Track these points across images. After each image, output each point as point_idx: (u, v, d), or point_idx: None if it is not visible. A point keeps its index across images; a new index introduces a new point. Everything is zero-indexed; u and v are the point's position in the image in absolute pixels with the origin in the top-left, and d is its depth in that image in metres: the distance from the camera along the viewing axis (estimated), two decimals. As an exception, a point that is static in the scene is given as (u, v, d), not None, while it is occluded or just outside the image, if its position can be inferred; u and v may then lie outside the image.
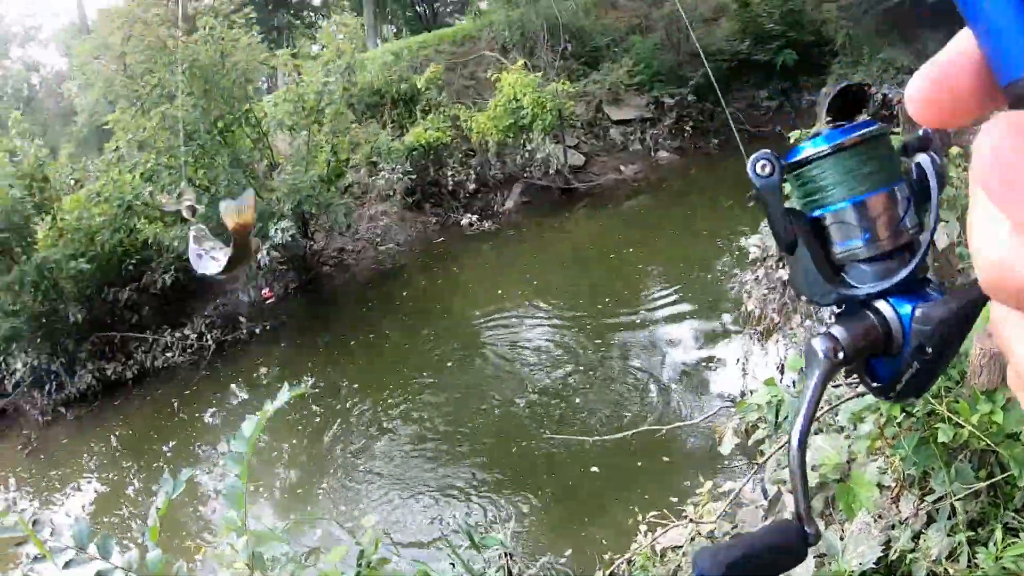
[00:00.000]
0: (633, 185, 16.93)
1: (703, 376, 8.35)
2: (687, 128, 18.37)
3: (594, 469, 6.90)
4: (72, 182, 13.91)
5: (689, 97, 18.23)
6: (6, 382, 12.57)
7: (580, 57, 19.34)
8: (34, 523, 2.71)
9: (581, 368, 8.98)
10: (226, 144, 12.36)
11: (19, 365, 12.21)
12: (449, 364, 9.83)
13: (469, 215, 15.69)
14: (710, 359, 8.62)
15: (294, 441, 8.91)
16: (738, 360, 7.74)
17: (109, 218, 12.48)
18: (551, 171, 16.05)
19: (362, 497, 7.58)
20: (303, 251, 12.62)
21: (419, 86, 16.83)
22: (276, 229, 11.51)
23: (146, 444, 10.68)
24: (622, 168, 17.50)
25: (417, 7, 34.77)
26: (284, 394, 2.58)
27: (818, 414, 3.77)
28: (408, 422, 8.64)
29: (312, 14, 38.67)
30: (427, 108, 16.70)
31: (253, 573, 2.33)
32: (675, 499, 5.18)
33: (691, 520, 4.05)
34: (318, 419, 9.18)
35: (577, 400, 8.30)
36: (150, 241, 12.23)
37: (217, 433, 10.14)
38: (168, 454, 10.02)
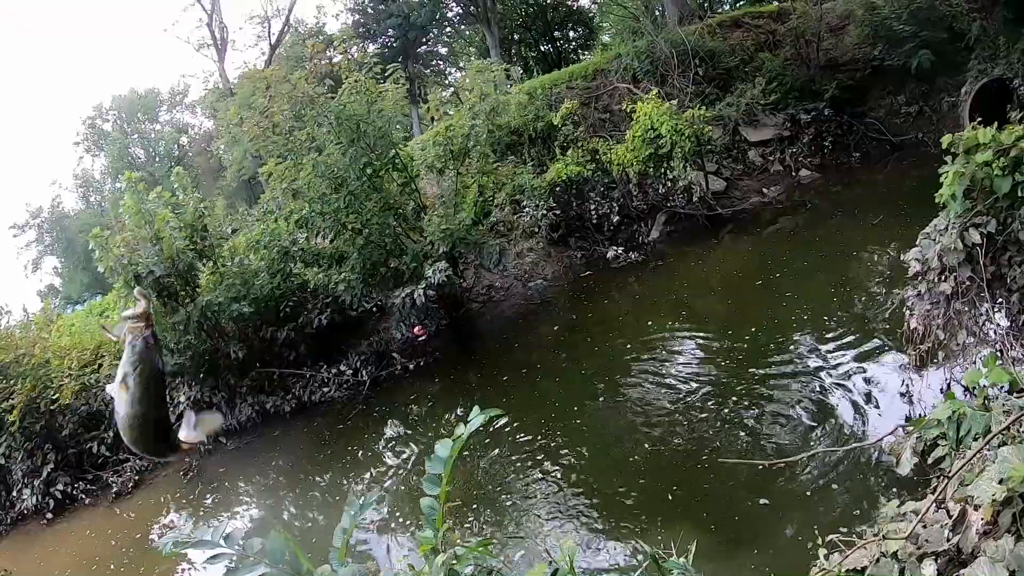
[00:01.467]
0: (776, 207, 16.46)
1: (864, 398, 7.93)
2: (826, 144, 17.84)
3: (763, 501, 6.67)
4: (229, 231, 14.75)
5: (825, 111, 17.71)
6: (171, 413, 13.44)
7: (712, 80, 19.06)
8: (226, 538, 2.87)
9: (735, 397, 8.67)
10: (375, 189, 12.81)
11: (182, 397, 13.17)
12: (601, 398, 9.75)
13: (614, 247, 15.62)
14: (869, 380, 8.19)
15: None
16: (902, 381, 7.47)
17: (267, 263, 13.26)
18: (694, 199, 15.85)
19: (515, 525, 7.63)
20: (455, 290, 12.90)
21: (555, 122, 17.03)
22: (432, 270, 11.86)
23: (301, 474, 11.13)
24: (764, 190, 17.09)
25: (542, 47, 35.36)
26: (477, 419, 2.64)
27: (1006, 424, 3.56)
28: (561, 454, 8.58)
29: (440, 62, 40.14)
30: (565, 144, 16.86)
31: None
32: (845, 528, 4.91)
33: (875, 540, 3.85)
34: (467, 453, 9.24)
35: (736, 429, 8.05)
36: (310, 285, 12.84)
37: (369, 465, 10.38)
38: (322, 484, 10.40)
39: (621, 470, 7.93)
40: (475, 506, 8.16)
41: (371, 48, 29.73)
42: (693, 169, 15.82)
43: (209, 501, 11.77)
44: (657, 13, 26.22)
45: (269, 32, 40.32)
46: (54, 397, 14.10)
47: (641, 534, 6.80)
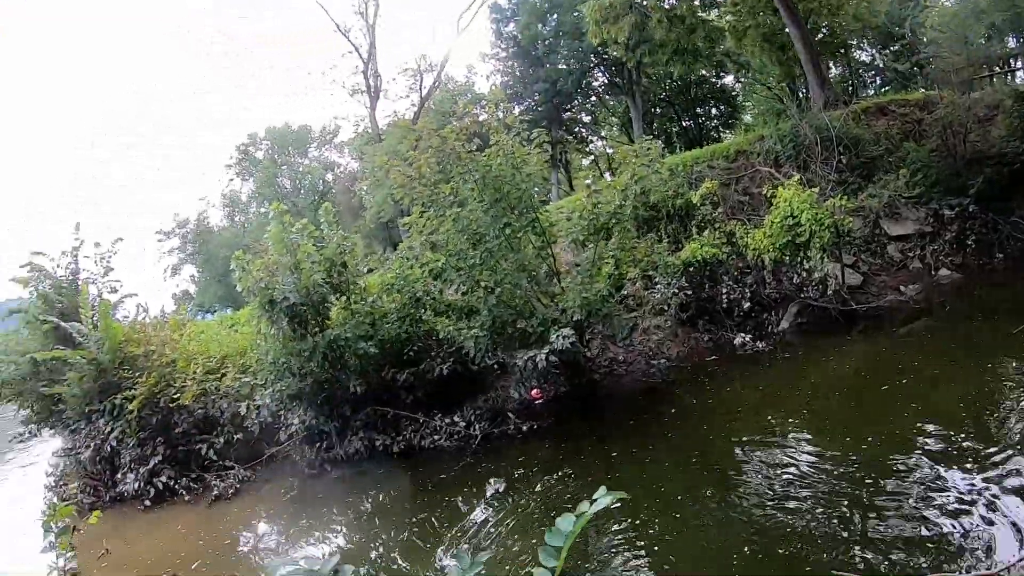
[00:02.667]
0: (913, 307, 15.90)
1: (988, 521, 7.34)
2: (969, 242, 17.26)
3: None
4: (365, 270, 15.18)
5: (970, 207, 17.09)
6: (282, 433, 14.01)
7: (855, 168, 18.70)
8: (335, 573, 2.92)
9: (847, 509, 8.14)
10: (512, 249, 13.00)
11: (296, 420, 13.63)
12: (708, 490, 9.38)
13: (743, 334, 15.39)
14: (995, 502, 7.63)
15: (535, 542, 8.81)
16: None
17: (398, 307, 13.62)
18: (828, 291, 15.50)
19: None
20: (578, 358, 12.91)
21: (694, 201, 16.95)
22: (557, 335, 11.90)
23: (395, 515, 11.20)
24: (902, 288, 16.58)
25: (683, 122, 35.50)
26: (603, 499, 2.62)
27: None
28: (659, 542, 8.35)
29: (583, 129, 40.71)
30: (702, 224, 16.77)
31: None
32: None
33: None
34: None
35: (844, 544, 7.50)
36: (438, 334, 13.11)
37: (465, 519, 10.38)
38: (415, 529, 10.42)
39: (718, 567, 7.64)
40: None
41: (517, 110, 30.40)
42: (830, 260, 15.53)
43: (303, 522, 12.07)
44: (801, 95, 25.97)
45: (420, 85, 42.53)
46: (175, 396, 14.80)
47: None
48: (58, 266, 19.42)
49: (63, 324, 17.39)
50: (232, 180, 57.40)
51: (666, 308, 15.27)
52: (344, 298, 13.39)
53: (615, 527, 8.71)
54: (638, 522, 8.69)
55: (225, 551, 11.80)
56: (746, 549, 7.65)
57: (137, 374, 15.35)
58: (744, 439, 10.66)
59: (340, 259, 13.72)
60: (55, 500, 17.11)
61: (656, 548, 8.18)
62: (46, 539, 4.95)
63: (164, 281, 53.61)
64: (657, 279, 15.26)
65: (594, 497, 2.61)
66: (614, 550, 8.29)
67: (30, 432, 19.61)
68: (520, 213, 13.17)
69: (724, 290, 15.74)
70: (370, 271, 15.34)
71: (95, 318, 16.72)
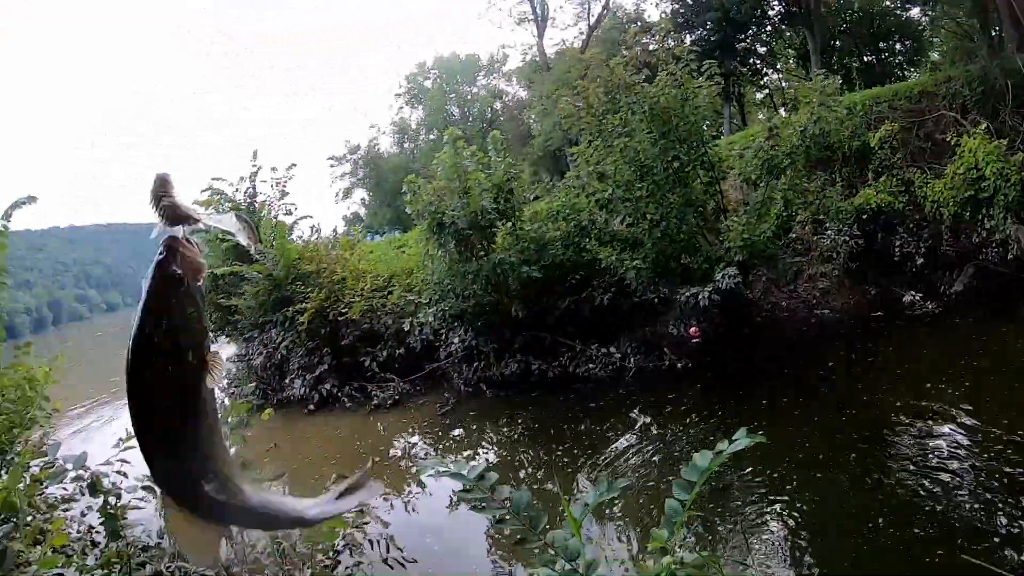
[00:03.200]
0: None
1: None
2: None
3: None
4: (531, 197, 15.30)
5: None
6: (442, 351, 14.52)
7: (1050, 121, 17.08)
8: (479, 478, 3.02)
9: (1007, 498, 7.28)
10: (680, 183, 12.73)
11: (456, 340, 14.05)
12: (854, 453, 8.82)
13: (912, 292, 14.12)
14: None
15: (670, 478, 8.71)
16: None
17: (563, 235, 13.62)
18: (1009, 256, 14.35)
19: (736, 552, 7.25)
20: (740, 299, 12.68)
21: (872, 144, 16.03)
22: (722, 274, 11.69)
23: (543, 438, 11.47)
24: (1094, 262, 14.99)
25: (864, 57, 33.38)
26: (742, 440, 2.58)
27: None
28: (796, 497, 8.01)
29: (757, 61, 38.98)
30: (879, 169, 15.80)
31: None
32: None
33: None
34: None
35: (993, 533, 6.77)
36: (600, 264, 13.10)
37: (610, 448, 10.45)
38: (560, 453, 10.61)
39: (852, 535, 7.16)
40: (696, 520, 7.85)
41: (687, 40, 29.44)
42: (1013, 222, 14.37)
43: (455, 435, 12.58)
44: (994, 33, 24.00)
45: (588, 13, 41.88)
46: (343, 311, 15.55)
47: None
48: (236, 190, 20.62)
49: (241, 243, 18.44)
50: (402, 108, 58.82)
51: (834, 256, 14.52)
52: (510, 224, 13.55)
53: (755, 478, 8.49)
54: (775, 475, 8.44)
55: (380, 455, 12.46)
56: (881, 520, 7.20)
57: (308, 289, 16.20)
58: (899, 403, 9.91)
59: (507, 186, 13.88)
60: (226, 400, 18.44)
61: (789, 503, 7.91)
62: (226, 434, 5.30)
63: (336, 204, 56.34)
64: (827, 224, 14.51)
65: (734, 437, 2.56)
66: (750, 500, 8.12)
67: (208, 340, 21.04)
68: (689, 147, 12.85)
69: (897, 242, 14.66)
70: (536, 198, 15.42)
71: (272, 237, 17.69)
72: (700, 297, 11.78)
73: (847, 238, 14.11)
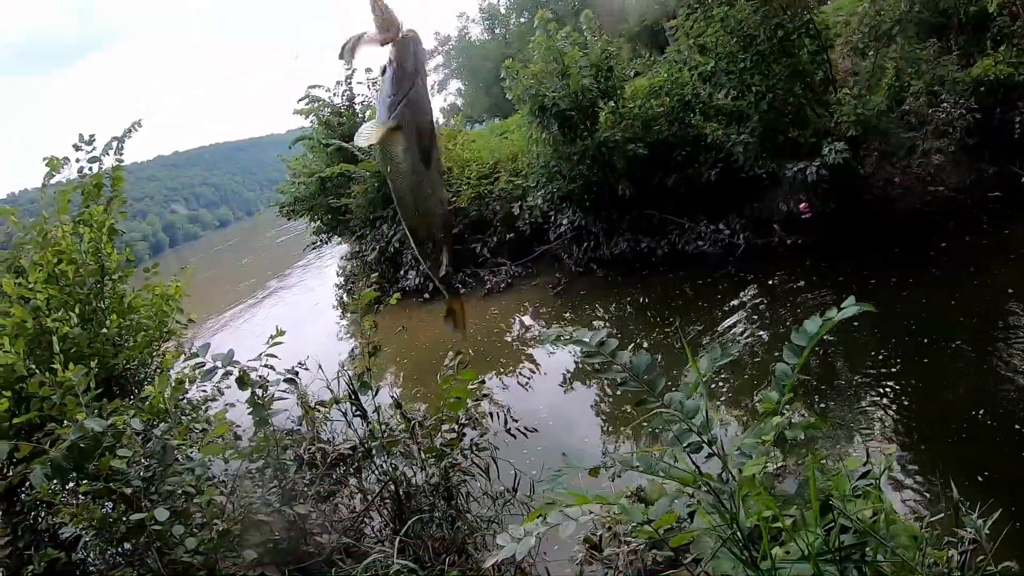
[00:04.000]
0: None
1: None
2: None
3: None
4: (632, 74, 15.20)
5: None
6: (551, 232, 14.84)
7: None
8: (600, 343, 3.30)
9: None
10: (785, 53, 12.34)
11: (564, 221, 14.33)
12: (965, 339, 8.36)
13: None
14: None
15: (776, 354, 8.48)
16: None
17: (667, 111, 13.48)
18: None
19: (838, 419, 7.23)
20: (851, 175, 12.43)
21: (990, 10, 15.19)
22: (830, 148, 11.45)
23: (653, 315, 11.76)
24: None
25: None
26: (851, 308, 2.73)
27: None
28: (899, 378, 7.75)
29: None
30: (999, 37, 15.02)
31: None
32: None
33: None
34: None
35: None
36: (707, 139, 13.00)
37: (719, 324, 10.58)
38: (668, 331, 10.84)
39: (952, 420, 6.85)
40: (803, 390, 7.80)
41: None
42: None
43: (566, 316, 12.95)
44: None
45: None
46: (451, 200, 15.97)
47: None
48: (334, 95, 21.11)
49: (345, 145, 19.04)
50: (491, -8, 57.95)
51: (950, 131, 13.90)
52: (611, 102, 13.43)
53: (861, 357, 8.45)
54: (880, 357, 8.27)
55: (494, 336, 13.00)
56: (983, 412, 6.75)
57: (416, 181, 16.66)
58: (1010, 291, 9.34)
59: (606, 64, 13.75)
60: (345, 296, 19.35)
61: (899, 382, 7.73)
62: (350, 318, 5.70)
63: (432, 97, 56.60)
64: (943, 96, 13.92)
65: (842, 305, 2.65)
66: (855, 381, 8.08)
67: (321, 241, 22.11)
68: (793, 14, 12.42)
69: (1017, 118, 13.98)
70: (637, 75, 15.33)
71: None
72: (808, 172, 11.57)
73: (963, 111, 13.50)
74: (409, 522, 5.20)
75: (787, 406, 2.76)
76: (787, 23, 12.33)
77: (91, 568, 5.13)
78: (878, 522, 2.31)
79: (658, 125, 13.45)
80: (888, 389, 7.64)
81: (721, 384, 8.65)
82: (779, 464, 3.39)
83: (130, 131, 7.28)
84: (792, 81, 12.33)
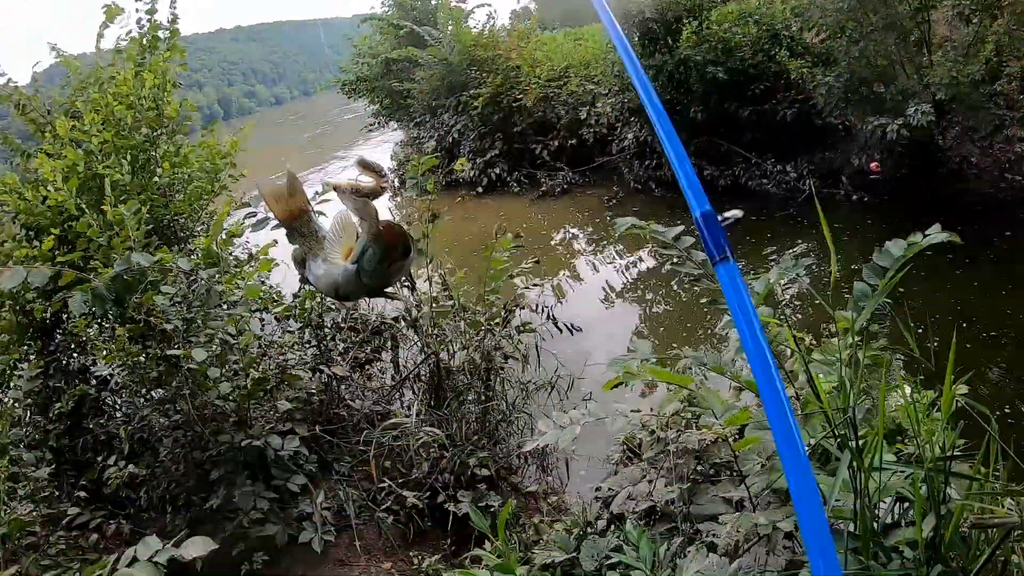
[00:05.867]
0: None
1: None
2: None
3: None
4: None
5: None
6: (614, 145, 14.71)
7: None
8: (676, 238, 3.25)
9: None
10: (884, 3, 11.82)
11: (630, 135, 14.18)
12: (1001, 331, 8.12)
13: None
14: None
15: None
16: None
17: (753, 39, 13.05)
18: None
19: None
20: (930, 142, 12.09)
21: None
22: (915, 109, 11.06)
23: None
24: None
25: None
26: (937, 236, 2.62)
27: None
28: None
29: None
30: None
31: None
32: None
33: None
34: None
35: None
36: (790, 76, 12.62)
37: (766, 266, 10.41)
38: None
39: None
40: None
41: None
42: None
43: (614, 229, 12.82)
44: None
45: None
46: (517, 97, 15.82)
47: None
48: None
49: (416, 28, 18.79)
50: None
51: None
52: (697, 22, 13.07)
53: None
54: (919, 331, 8.03)
55: (540, 239, 12.98)
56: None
57: (484, 75, 16.47)
58: None
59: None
60: (397, 180, 19.38)
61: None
62: (410, 186, 5.60)
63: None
64: (1039, 81, 13.42)
65: (927, 232, 2.48)
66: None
67: (379, 123, 22.05)
68: (902, -36, 11.99)
69: None
70: (726, 1, 14.94)
71: (448, 23, 17.92)
72: (888, 130, 11.20)
73: (1055, 104, 12.99)
74: (448, 399, 5.29)
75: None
76: (894, -29, 11.84)
77: (117, 411, 5.23)
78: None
79: (742, 52, 13.02)
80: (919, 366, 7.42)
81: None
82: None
83: None
84: (887, 34, 11.88)
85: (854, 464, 2.00)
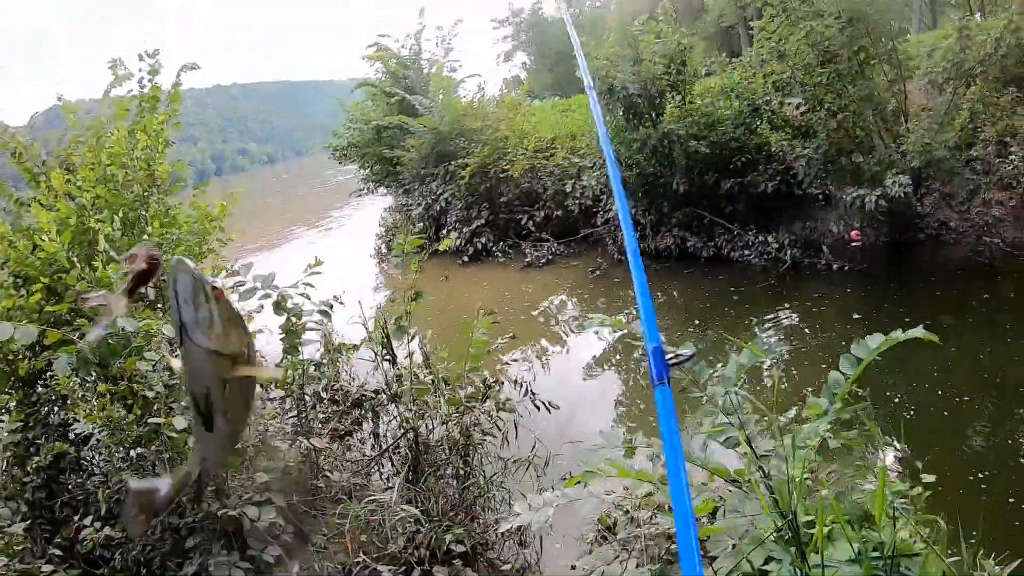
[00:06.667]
0: None
1: None
2: None
3: None
4: (703, 72, 15.11)
5: None
6: (599, 217, 14.97)
7: None
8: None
9: None
10: (863, 76, 12.22)
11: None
12: (990, 401, 7.98)
13: None
14: None
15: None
16: None
17: (734, 114, 13.39)
18: None
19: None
20: (908, 210, 12.26)
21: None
22: (893, 180, 11.28)
23: (687, 315, 11.65)
24: None
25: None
26: (917, 331, 2.69)
27: None
28: (914, 432, 7.25)
29: None
30: (1081, 98, 14.65)
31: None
32: None
33: None
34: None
35: None
36: (770, 148, 12.91)
37: (750, 335, 10.39)
38: (710, 335, 10.65)
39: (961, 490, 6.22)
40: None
41: None
42: None
43: (600, 301, 13.02)
44: None
45: None
46: (504, 168, 16.03)
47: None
48: (402, 47, 21.25)
49: (408, 97, 19.14)
50: (566, -29, 57.85)
51: (1014, 184, 13.69)
52: (680, 96, 13.41)
53: (877, 397, 8.04)
54: (896, 400, 7.93)
55: (524, 309, 13.04)
56: (984, 478, 6.36)
57: (472, 145, 16.74)
58: None
59: (680, 57, 13.65)
60: (384, 247, 19.52)
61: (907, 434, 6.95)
62: (390, 264, 5.74)
63: (497, 66, 57.22)
64: (1013, 148, 13.70)
65: (909, 331, 2.60)
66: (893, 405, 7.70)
67: (367, 189, 22.34)
68: (875, 39, 12.32)
69: None
70: (708, 74, 15.27)
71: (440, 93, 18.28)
72: (867, 200, 11.41)
73: (1033, 166, 13.21)
74: (425, 474, 5.28)
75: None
76: (869, 47, 12.20)
77: (95, 469, 5.18)
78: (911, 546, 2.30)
79: (723, 127, 13.35)
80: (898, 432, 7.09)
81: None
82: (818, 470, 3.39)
83: (193, 66, 7.41)
84: (865, 105, 12.19)
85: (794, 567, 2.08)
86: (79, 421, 4.84)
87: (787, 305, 11.37)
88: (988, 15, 13.75)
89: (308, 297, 4.94)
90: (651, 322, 1.84)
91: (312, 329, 5.19)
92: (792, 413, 2.99)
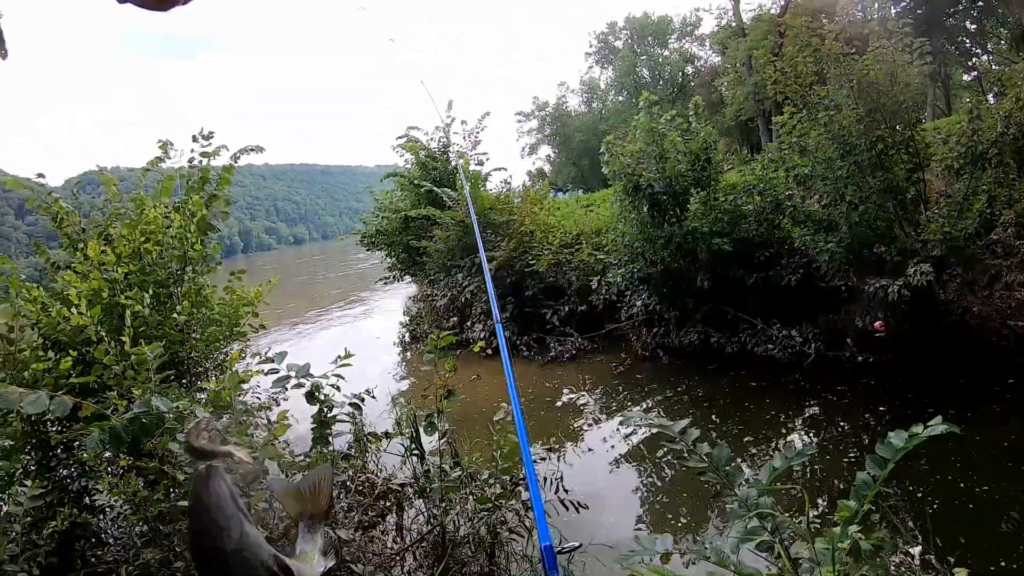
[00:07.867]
0: None
1: None
2: None
3: None
4: (726, 168, 15.32)
5: None
6: (623, 312, 14.97)
7: None
8: (682, 432, 3.32)
9: None
10: (882, 167, 12.29)
11: (639, 303, 14.44)
12: (1003, 486, 7.77)
13: None
14: None
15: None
16: None
17: (757, 209, 13.56)
18: None
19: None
20: (931, 298, 12.23)
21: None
22: (915, 269, 11.30)
23: (712, 412, 11.52)
24: None
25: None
26: (937, 427, 2.71)
27: None
28: (940, 524, 7.09)
29: (967, 40, 35.55)
30: (1098, 177, 14.66)
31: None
32: None
33: None
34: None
35: None
36: (793, 243, 12.92)
37: (776, 433, 10.39)
38: (732, 431, 10.61)
39: None
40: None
41: (893, 11, 27.95)
42: None
43: (623, 396, 12.93)
44: None
45: None
46: (530, 262, 16.23)
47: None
48: (431, 139, 21.81)
49: (436, 189, 19.55)
50: (591, 68, 59.46)
51: None
52: (704, 192, 13.54)
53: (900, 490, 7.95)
54: (919, 494, 7.82)
55: (548, 404, 13.04)
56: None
57: (498, 238, 16.98)
58: None
59: (705, 154, 13.91)
60: (407, 335, 19.60)
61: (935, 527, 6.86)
62: (418, 356, 5.86)
63: (521, 159, 58.52)
64: (1032, 229, 13.68)
65: (930, 423, 2.69)
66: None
67: (394, 277, 22.67)
68: (893, 128, 12.44)
69: None
70: (730, 169, 15.47)
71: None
72: (890, 290, 11.41)
73: (1053, 248, 13.20)
74: (451, 570, 5.30)
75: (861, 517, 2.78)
76: (887, 137, 12.30)
77: (110, 539, 5.25)
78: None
79: (746, 223, 13.51)
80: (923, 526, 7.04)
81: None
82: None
83: (256, 149, 7.67)
84: (885, 196, 12.22)
85: None
86: (100, 492, 4.92)
87: (811, 401, 11.32)
88: (999, 96, 13.87)
89: (338, 388, 5.04)
90: (542, 522, 2.31)
91: (343, 421, 5.27)
92: (820, 507, 3.03)
